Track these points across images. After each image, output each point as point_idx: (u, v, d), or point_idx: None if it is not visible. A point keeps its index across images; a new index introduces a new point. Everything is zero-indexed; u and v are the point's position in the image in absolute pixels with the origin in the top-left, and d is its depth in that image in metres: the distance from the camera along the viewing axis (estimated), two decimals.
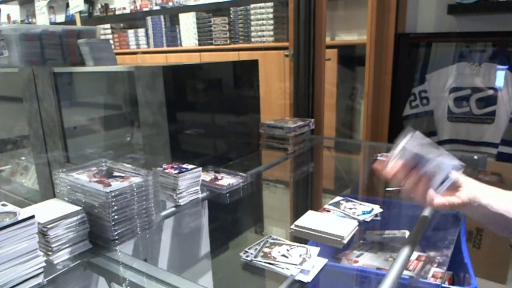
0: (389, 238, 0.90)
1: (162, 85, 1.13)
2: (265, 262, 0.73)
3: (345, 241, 0.82)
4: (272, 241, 0.81)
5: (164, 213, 0.95)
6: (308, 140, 1.60)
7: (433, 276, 0.94)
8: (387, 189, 1.10)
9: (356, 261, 0.82)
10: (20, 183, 2.02)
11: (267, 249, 0.78)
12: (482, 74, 1.93)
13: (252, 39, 3.20)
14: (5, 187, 2.06)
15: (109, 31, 4.35)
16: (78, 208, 0.77)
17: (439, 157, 0.70)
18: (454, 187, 0.72)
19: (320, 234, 0.83)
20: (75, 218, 0.76)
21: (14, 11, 5.80)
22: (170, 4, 3.84)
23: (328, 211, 0.97)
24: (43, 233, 0.71)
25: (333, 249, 0.79)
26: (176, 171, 0.99)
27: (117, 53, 2.42)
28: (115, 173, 0.87)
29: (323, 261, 0.74)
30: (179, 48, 3.79)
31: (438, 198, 0.71)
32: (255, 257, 0.75)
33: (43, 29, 1.74)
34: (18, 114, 1.82)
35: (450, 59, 2.02)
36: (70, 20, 4.87)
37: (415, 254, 1.00)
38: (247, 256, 0.75)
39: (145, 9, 4.05)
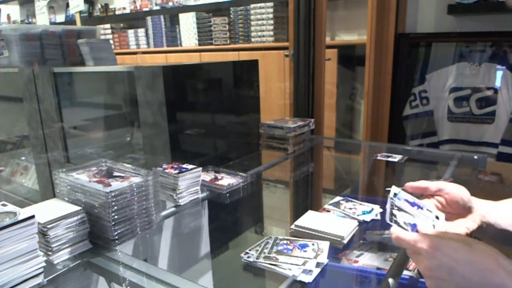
0: (389, 238, 0.90)
1: (162, 85, 1.13)
2: (267, 263, 0.73)
3: (345, 241, 0.82)
4: (279, 241, 0.81)
5: (164, 213, 0.95)
6: (308, 140, 1.60)
7: None
8: (387, 189, 1.10)
9: (356, 261, 0.82)
10: (20, 183, 2.02)
11: (275, 247, 0.78)
12: (482, 74, 1.93)
13: (252, 39, 3.20)
14: (5, 187, 2.06)
15: (109, 31, 4.35)
16: (78, 208, 0.77)
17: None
18: (466, 211, 0.69)
19: (320, 234, 0.83)
20: (75, 218, 0.76)
21: (14, 11, 5.80)
22: (170, 4, 3.85)
23: (328, 211, 0.97)
24: (43, 233, 0.71)
25: (333, 249, 0.80)
26: (176, 171, 0.99)
27: (117, 53, 2.42)
28: (115, 173, 0.87)
29: (324, 261, 0.74)
30: (179, 48, 3.79)
31: (461, 230, 0.67)
32: (257, 258, 0.75)
33: (43, 29, 1.74)
34: (18, 114, 1.82)
35: (450, 59, 2.02)
36: (70, 20, 4.88)
37: None
38: (248, 257, 0.75)
39: (145, 9, 4.05)
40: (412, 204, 0.65)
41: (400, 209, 0.64)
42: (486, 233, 0.69)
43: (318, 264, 0.72)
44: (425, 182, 0.71)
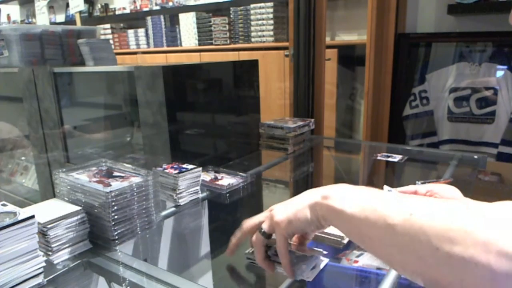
0: None
1: (162, 85, 1.13)
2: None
3: (345, 241, 0.82)
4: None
5: (164, 213, 0.95)
6: (308, 140, 1.60)
7: None
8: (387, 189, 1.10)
9: (356, 261, 0.82)
10: (20, 183, 2.02)
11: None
12: (482, 74, 1.93)
13: (252, 39, 3.20)
14: (5, 187, 2.06)
15: (109, 31, 4.36)
16: (78, 208, 0.77)
17: None
18: None
19: (320, 234, 0.83)
20: (75, 218, 0.76)
21: (14, 11, 5.80)
22: (170, 4, 3.85)
23: None
24: (43, 233, 0.71)
25: (333, 249, 0.80)
26: (176, 171, 0.99)
27: (117, 53, 2.42)
28: (115, 173, 0.87)
29: (324, 260, 0.74)
30: (179, 48, 3.79)
31: None
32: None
33: (43, 29, 1.74)
34: (18, 114, 1.82)
35: (450, 59, 2.02)
36: (70, 20, 4.88)
37: None
38: (250, 258, 0.75)
39: (145, 9, 4.05)
40: None
41: None
42: None
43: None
44: (414, 186, 0.73)
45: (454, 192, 0.72)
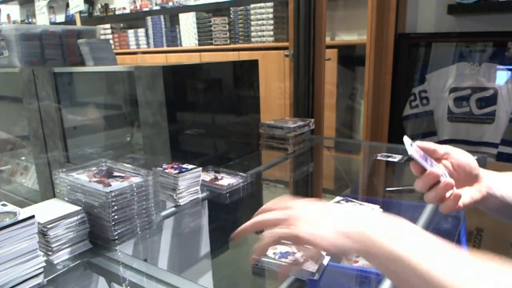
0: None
1: (162, 85, 1.13)
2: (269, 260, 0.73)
3: None
4: None
5: (164, 213, 0.95)
6: (308, 140, 1.60)
7: None
8: (387, 189, 1.11)
9: (356, 261, 0.82)
10: (20, 183, 2.02)
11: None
12: (482, 74, 1.93)
13: (252, 39, 3.20)
14: (5, 187, 2.06)
15: (109, 31, 4.36)
16: (78, 208, 0.77)
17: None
18: (473, 179, 0.68)
19: None
20: (75, 218, 0.76)
21: (14, 11, 5.80)
22: (170, 4, 3.85)
23: None
24: (43, 233, 0.71)
25: None
26: (176, 171, 0.99)
27: (117, 53, 2.42)
28: (115, 173, 0.88)
29: (326, 258, 0.74)
30: (179, 48, 3.79)
31: (464, 198, 0.65)
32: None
33: (43, 29, 1.74)
34: (18, 114, 1.82)
35: (450, 59, 2.02)
36: (70, 20, 4.88)
37: None
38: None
39: (145, 9, 4.05)
40: (424, 157, 0.65)
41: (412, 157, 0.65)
42: (490, 205, 0.68)
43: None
44: (434, 144, 0.70)
45: (469, 157, 0.70)
